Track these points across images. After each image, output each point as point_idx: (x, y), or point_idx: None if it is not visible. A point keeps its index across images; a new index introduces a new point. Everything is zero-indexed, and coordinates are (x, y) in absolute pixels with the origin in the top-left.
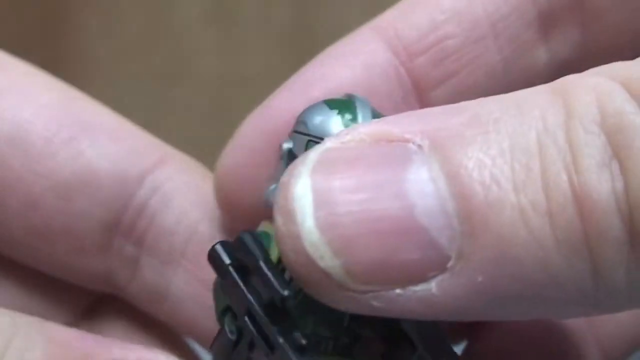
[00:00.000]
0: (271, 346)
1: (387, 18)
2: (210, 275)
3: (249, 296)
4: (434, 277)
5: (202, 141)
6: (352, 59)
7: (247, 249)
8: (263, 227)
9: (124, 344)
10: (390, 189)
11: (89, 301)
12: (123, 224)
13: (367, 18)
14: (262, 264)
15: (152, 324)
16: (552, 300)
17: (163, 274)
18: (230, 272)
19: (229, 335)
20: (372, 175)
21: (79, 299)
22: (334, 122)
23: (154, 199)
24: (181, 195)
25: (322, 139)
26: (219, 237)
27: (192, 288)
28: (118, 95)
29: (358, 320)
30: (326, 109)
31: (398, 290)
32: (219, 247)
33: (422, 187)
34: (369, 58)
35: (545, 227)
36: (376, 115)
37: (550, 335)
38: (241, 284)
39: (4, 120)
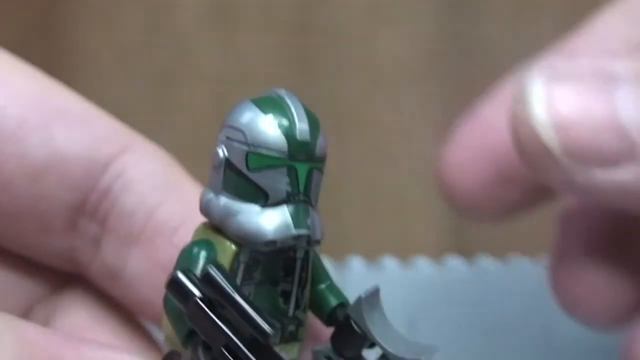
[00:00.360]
0: None
1: (569, 42)
2: (164, 256)
3: (231, 334)
4: (626, 165)
5: (201, 140)
6: None
7: (217, 284)
8: (203, 234)
9: (93, 344)
10: (602, 98)
11: (56, 280)
12: (88, 205)
13: (368, 19)
14: (240, 301)
15: (115, 304)
16: None
17: (121, 254)
18: (199, 306)
19: None
20: (590, 85)
21: (45, 277)
22: (270, 126)
23: (118, 183)
24: (142, 181)
25: (263, 147)
26: (175, 221)
27: (145, 268)
28: (118, 95)
29: (301, 308)
30: (260, 113)
31: (597, 171)
32: (182, 278)
33: (625, 101)
34: None
35: None
36: (307, 110)
37: None
38: (217, 321)
39: None
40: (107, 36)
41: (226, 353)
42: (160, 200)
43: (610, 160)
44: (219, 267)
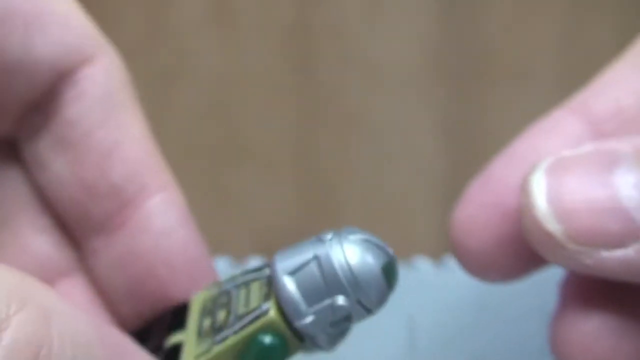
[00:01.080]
0: None
1: (581, 99)
2: (87, 175)
3: None
4: (631, 244)
5: (201, 140)
6: (555, 132)
7: None
8: (281, 329)
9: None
10: (602, 181)
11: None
12: (41, 103)
13: (367, 19)
14: None
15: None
16: None
17: (51, 151)
18: None
19: None
20: (589, 171)
21: None
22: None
23: (71, 92)
24: (92, 97)
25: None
26: (108, 145)
27: (66, 177)
28: None
29: None
30: (389, 293)
31: (604, 252)
32: None
33: (625, 180)
34: (568, 130)
35: None
36: None
37: None
38: None
39: None
40: (107, 36)
41: None
42: (101, 122)
43: (615, 242)
44: None
